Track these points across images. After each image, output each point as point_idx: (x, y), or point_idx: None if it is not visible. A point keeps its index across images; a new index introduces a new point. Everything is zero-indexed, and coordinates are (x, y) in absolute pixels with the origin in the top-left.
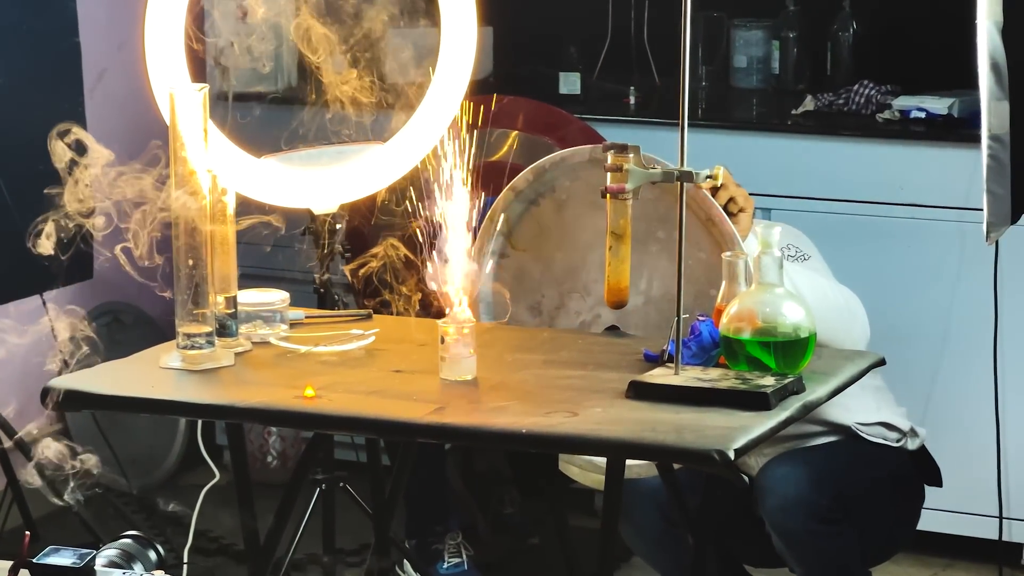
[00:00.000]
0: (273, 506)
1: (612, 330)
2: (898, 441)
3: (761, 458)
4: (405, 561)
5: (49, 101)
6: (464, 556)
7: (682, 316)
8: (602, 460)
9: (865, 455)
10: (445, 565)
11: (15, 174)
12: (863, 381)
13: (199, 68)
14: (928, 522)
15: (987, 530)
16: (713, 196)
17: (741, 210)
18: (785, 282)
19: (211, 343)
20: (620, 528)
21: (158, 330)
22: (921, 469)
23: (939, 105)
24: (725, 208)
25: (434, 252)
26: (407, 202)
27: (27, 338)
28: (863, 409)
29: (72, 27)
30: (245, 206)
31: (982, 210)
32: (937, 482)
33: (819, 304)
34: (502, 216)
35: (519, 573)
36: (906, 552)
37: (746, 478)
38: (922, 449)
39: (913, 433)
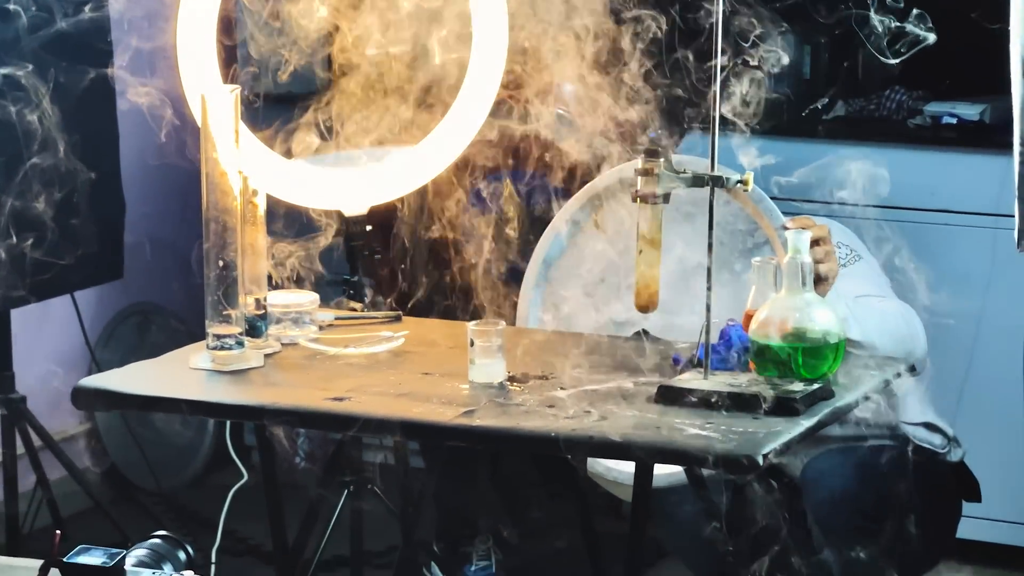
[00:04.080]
0: (301, 507)
1: (642, 334)
2: (943, 448)
3: (804, 456)
4: (433, 563)
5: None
6: (493, 559)
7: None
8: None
9: (909, 460)
10: (473, 568)
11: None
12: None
13: (231, 70)
14: (965, 530)
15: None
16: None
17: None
18: (853, 327)
19: (240, 344)
20: (656, 525)
21: (187, 330)
22: (961, 482)
23: (971, 111)
24: None
25: None
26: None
27: (57, 338)
28: (909, 408)
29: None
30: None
31: (1013, 216)
32: (976, 497)
33: (884, 336)
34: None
35: None
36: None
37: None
38: (961, 463)
39: (956, 443)
